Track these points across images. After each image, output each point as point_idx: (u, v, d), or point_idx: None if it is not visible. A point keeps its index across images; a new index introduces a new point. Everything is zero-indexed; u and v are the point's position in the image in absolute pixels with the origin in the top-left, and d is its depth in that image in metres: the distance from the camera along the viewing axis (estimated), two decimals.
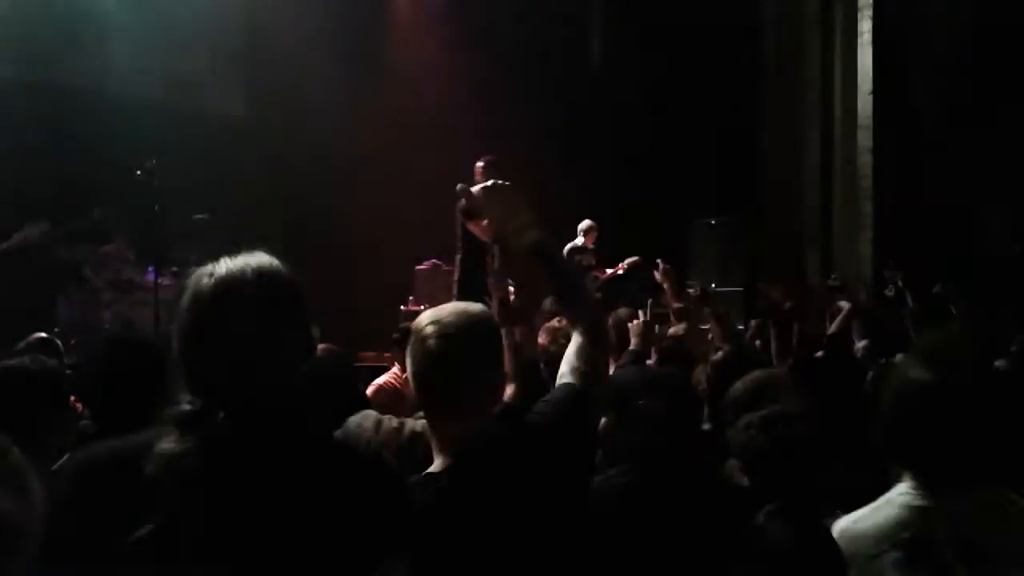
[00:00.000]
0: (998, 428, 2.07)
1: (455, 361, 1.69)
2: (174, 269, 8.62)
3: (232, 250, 1.54)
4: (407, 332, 5.31)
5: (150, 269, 7.76)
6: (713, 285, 9.29)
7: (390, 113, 10.31)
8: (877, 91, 9.45)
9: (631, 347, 3.82)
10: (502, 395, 1.80)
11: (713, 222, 9.94)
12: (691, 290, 5.05)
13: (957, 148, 9.47)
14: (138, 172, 7.12)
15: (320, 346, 3.28)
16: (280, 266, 1.53)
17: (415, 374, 1.74)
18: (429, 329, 1.72)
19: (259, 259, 1.52)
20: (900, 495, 2.05)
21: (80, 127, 8.45)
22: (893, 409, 2.08)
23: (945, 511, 1.98)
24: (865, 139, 9.54)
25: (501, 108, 10.61)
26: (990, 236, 9.72)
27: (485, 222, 2.09)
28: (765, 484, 2.15)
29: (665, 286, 4.48)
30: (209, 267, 1.51)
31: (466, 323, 1.73)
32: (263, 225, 9.53)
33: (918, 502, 2.01)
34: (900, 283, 6.05)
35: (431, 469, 1.73)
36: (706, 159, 10.47)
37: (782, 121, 10.33)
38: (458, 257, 2.82)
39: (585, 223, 9.09)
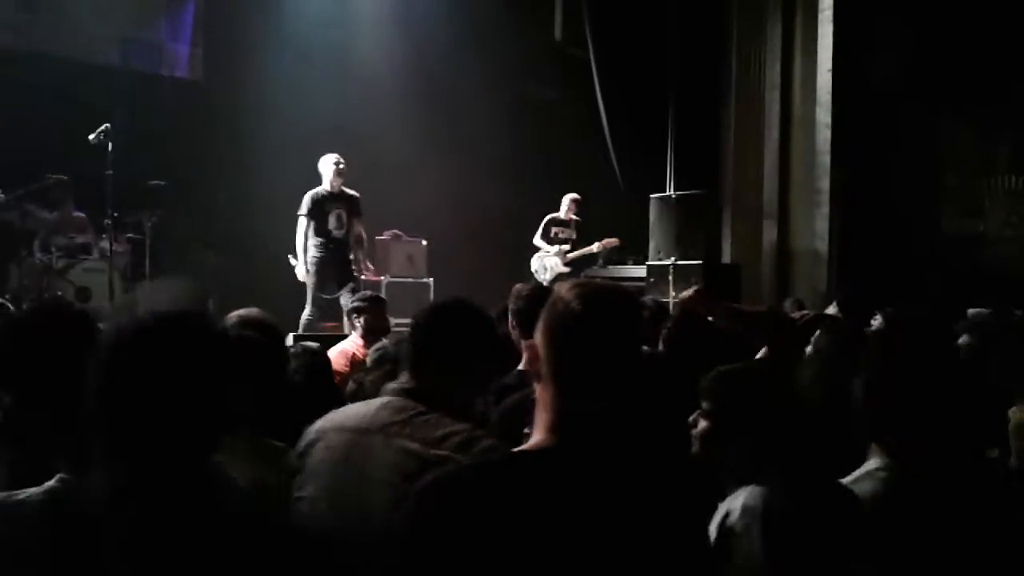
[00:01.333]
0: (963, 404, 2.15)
1: (598, 325, 1.56)
2: (128, 236, 8.50)
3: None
4: (370, 300, 5.28)
5: (103, 235, 7.64)
6: (673, 258, 9.37)
7: (349, 83, 10.20)
8: (836, 68, 9.53)
9: None
10: (637, 382, 1.59)
11: (673, 196, 9.99)
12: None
13: (915, 126, 9.62)
14: (91, 137, 6.98)
15: (245, 311, 2.99)
16: (202, 315, 1.53)
17: (549, 338, 1.58)
18: (573, 292, 1.60)
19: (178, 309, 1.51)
20: (876, 469, 2.11)
21: (34, 92, 8.25)
22: (876, 381, 2.17)
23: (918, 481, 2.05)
24: (824, 115, 9.63)
25: (463, 80, 10.56)
26: (944, 215, 9.92)
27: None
28: None
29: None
30: (126, 312, 1.49)
31: (617, 292, 1.64)
32: (219, 193, 9.44)
33: (891, 474, 2.08)
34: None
35: (528, 445, 1.58)
36: (668, 133, 10.51)
37: (743, 96, 10.38)
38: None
39: (568, 196, 9.24)
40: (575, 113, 10.96)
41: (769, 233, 10.09)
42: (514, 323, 3.21)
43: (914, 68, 9.42)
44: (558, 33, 11.23)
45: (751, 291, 9.48)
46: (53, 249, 8.16)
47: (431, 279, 9.39)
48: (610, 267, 10.31)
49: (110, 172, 6.92)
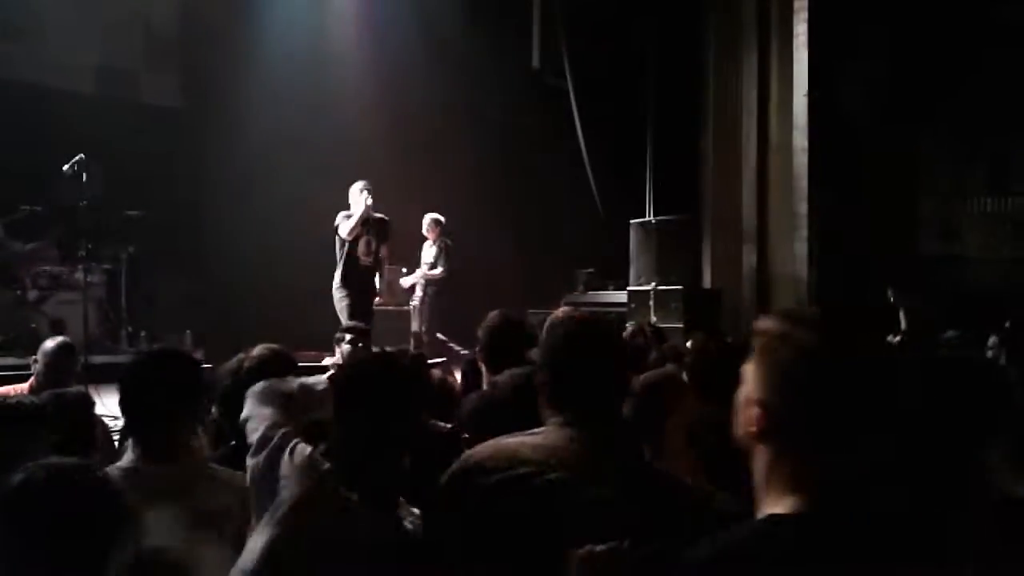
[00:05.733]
0: None
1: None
2: (105, 267, 8.41)
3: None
4: (351, 331, 5.17)
5: (79, 267, 7.53)
6: (654, 284, 9.37)
7: (329, 104, 10.19)
8: (812, 92, 9.59)
9: None
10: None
11: (653, 222, 10.00)
12: None
13: (891, 149, 9.71)
14: (66, 168, 6.89)
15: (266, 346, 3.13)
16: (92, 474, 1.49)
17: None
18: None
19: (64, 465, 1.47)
20: None
21: (7, 122, 8.17)
22: None
23: None
24: (801, 140, 9.68)
25: (438, 105, 10.57)
26: (924, 235, 9.99)
27: None
28: None
29: None
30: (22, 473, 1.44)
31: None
32: (198, 221, 9.37)
33: None
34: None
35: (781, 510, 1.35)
36: (646, 161, 10.54)
37: (722, 122, 10.43)
38: None
39: (427, 216, 9.27)
40: (553, 141, 10.98)
41: (749, 257, 10.11)
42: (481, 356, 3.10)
43: (890, 92, 9.52)
44: (536, 61, 11.26)
45: (732, 315, 9.49)
46: (28, 281, 8.05)
47: (411, 306, 9.34)
48: (590, 293, 10.30)
49: (84, 203, 6.82)
